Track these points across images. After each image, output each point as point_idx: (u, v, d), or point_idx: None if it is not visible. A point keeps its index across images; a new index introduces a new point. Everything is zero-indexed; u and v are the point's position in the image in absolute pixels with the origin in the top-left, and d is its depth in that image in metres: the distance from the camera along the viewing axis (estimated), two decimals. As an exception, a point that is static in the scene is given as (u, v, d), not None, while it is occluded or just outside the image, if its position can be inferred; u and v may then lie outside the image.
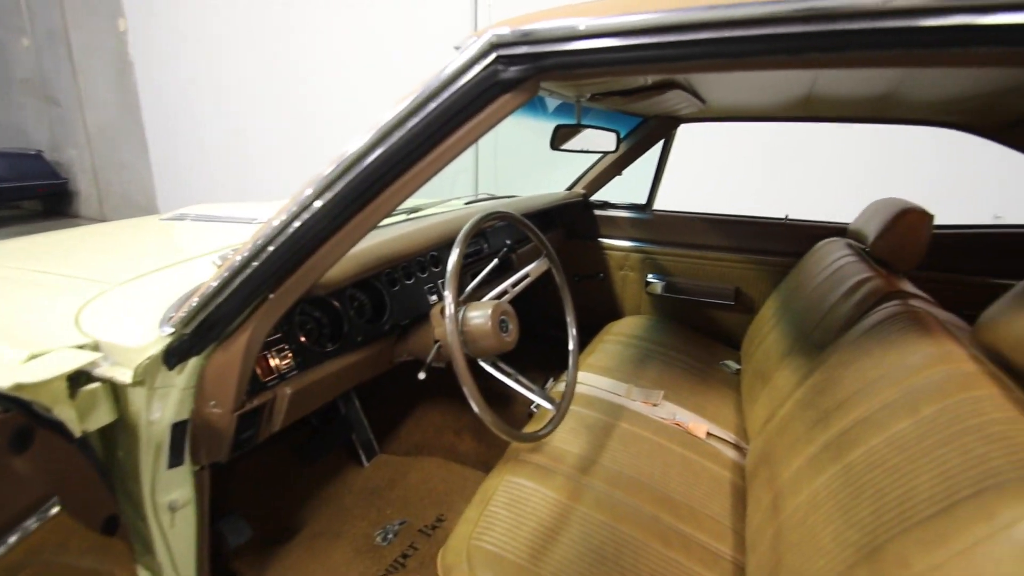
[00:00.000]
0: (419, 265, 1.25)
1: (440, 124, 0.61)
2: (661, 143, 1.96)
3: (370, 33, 3.91)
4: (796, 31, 0.44)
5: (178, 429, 0.79)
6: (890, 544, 0.57)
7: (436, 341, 0.99)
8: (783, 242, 1.81)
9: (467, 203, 1.83)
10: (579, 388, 1.38)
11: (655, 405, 1.33)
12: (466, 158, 3.96)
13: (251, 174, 4.82)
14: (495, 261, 1.15)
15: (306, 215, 0.68)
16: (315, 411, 1.45)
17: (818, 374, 0.99)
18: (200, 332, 0.75)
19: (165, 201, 5.42)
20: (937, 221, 1.25)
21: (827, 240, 1.55)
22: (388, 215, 0.71)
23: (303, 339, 0.93)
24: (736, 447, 1.23)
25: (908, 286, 1.10)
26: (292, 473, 1.49)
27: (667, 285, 2.01)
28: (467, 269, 1.38)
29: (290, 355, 0.89)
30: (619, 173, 2.05)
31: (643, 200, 2.08)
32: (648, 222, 2.04)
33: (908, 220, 1.20)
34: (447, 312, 0.85)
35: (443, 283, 0.93)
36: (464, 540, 0.87)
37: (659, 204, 2.07)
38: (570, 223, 2.15)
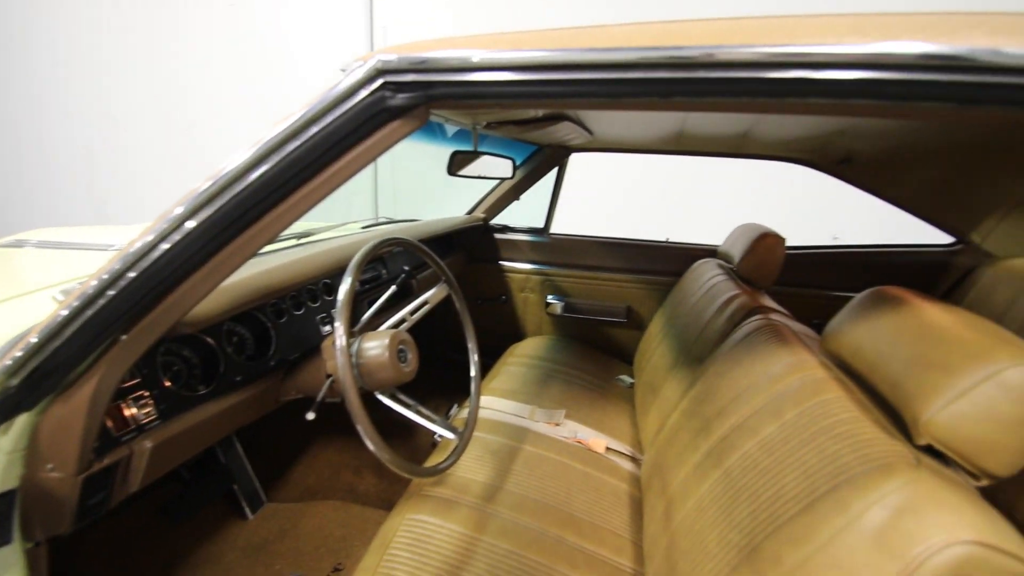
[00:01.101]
0: (310, 294, 1.17)
1: (326, 147, 0.58)
2: (556, 170, 2.05)
3: (255, 49, 3.69)
4: (662, 76, 0.48)
5: (3, 501, 0.65)
6: (766, 543, 0.62)
7: (328, 375, 0.93)
8: (665, 262, 1.96)
9: (365, 227, 1.76)
10: (483, 413, 1.37)
11: (557, 425, 1.36)
12: (364, 181, 3.84)
13: (109, 195, 4.27)
14: (393, 288, 1.12)
15: (176, 236, 0.60)
16: (186, 462, 1.29)
17: (699, 385, 1.08)
18: (31, 383, 0.63)
19: (3, 224, 4.61)
20: (789, 243, 1.43)
21: (702, 261, 1.71)
22: (271, 241, 0.65)
23: (168, 383, 0.82)
24: (632, 459, 1.29)
25: (768, 301, 1.24)
26: (159, 536, 1.30)
27: (566, 305, 2.08)
28: (363, 297, 1.32)
29: (151, 403, 0.78)
30: (517, 198, 2.11)
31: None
32: (546, 245, 2.11)
33: (766, 243, 1.36)
34: (338, 344, 0.80)
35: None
36: None
37: (557, 228, 2.15)
38: (471, 247, 2.16)
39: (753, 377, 0.90)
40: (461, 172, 1.41)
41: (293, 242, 1.36)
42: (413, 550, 0.88)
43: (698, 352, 1.24)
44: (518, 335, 2.19)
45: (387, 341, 0.89)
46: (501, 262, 2.16)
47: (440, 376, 2.17)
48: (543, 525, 0.99)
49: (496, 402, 1.43)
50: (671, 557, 0.80)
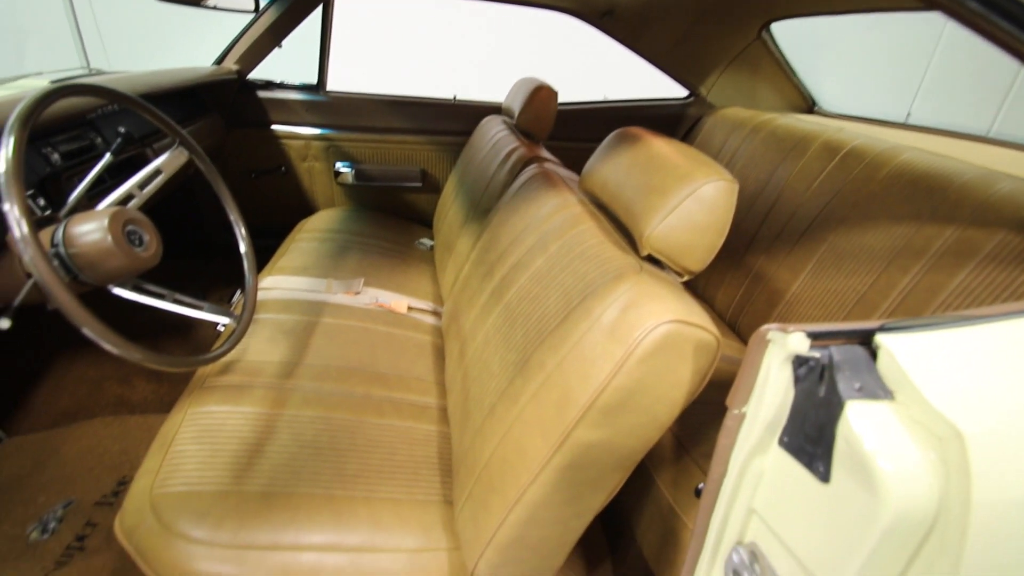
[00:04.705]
0: None
1: None
2: (321, 10, 1.74)
3: None
4: None
5: None
6: (534, 355, 0.73)
7: (29, 275, 0.72)
8: (455, 121, 1.92)
9: (56, 81, 1.31)
10: (273, 293, 1.26)
11: (357, 294, 1.33)
12: (53, 20, 2.79)
13: None
14: (107, 158, 0.87)
15: None
16: None
17: (486, 235, 1.14)
18: None
19: None
20: (562, 99, 1.50)
21: (488, 117, 1.71)
22: None
23: None
24: (434, 313, 1.36)
25: (544, 152, 1.33)
26: None
27: (357, 173, 1.94)
28: (72, 173, 1.02)
29: None
30: (278, 44, 1.77)
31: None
32: (324, 105, 1.87)
33: (541, 95, 1.41)
34: (16, 233, 0.60)
35: None
36: (144, 495, 0.74)
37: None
38: (230, 108, 1.80)
39: (527, 220, 0.98)
40: (183, 2, 1.09)
41: None
42: (202, 442, 0.82)
43: (485, 205, 1.29)
44: (307, 209, 2.01)
45: (106, 221, 0.71)
46: (273, 126, 1.87)
47: (220, 266, 1.91)
48: (348, 387, 1.01)
49: (286, 280, 1.33)
50: (466, 385, 0.90)
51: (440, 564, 0.76)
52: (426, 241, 1.80)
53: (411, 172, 1.97)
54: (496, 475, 0.70)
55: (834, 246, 1.20)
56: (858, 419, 0.48)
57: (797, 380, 0.53)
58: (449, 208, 1.59)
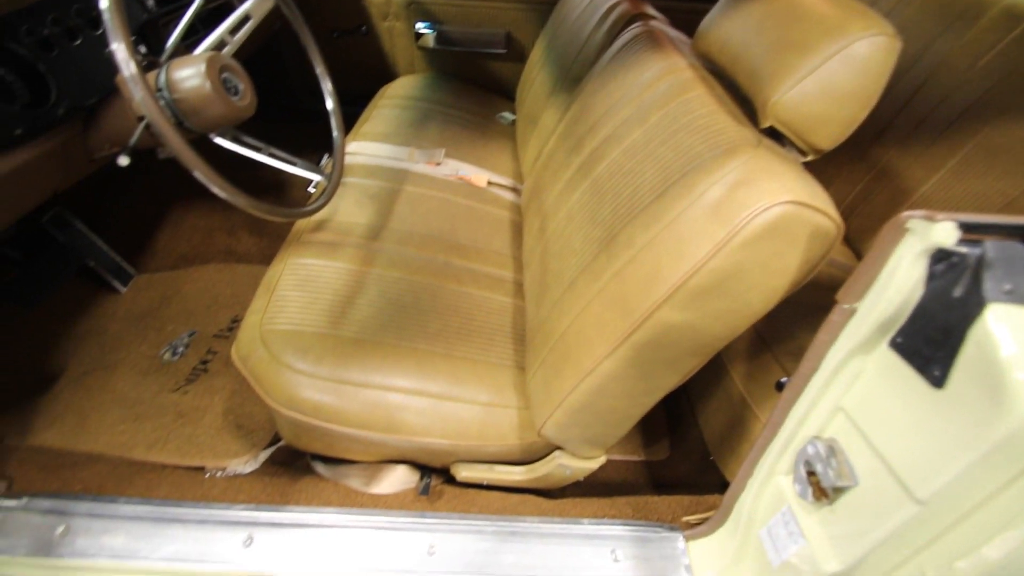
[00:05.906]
0: (84, 16, 0.87)
1: None
2: None
3: None
4: None
5: None
6: (622, 232, 0.70)
7: (140, 118, 0.75)
8: None
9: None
10: (359, 158, 1.28)
11: (438, 164, 1.32)
12: None
13: None
14: (197, 2, 0.85)
15: None
16: (11, 242, 1.12)
17: (575, 106, 1.05)
18: None
19: None
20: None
21: None
22: None
23: None
24: (513, 190, 1.33)
25: (649, 9, 1.16)
26: (19, 324, 1.19)
27: (439, 35, 1.82)
28: (166, 20, 1.02)
29: None
30: None
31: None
32: None
33: (652, -64, 1.20)
34: (126, 72, 0.62)
35: None
36: (255, 329, 0.83)
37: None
38: None
39: (626, 88, 0.88)
40: None
41: None
42: (302, 289, 0.89)
43: (577, 72, 1.18)
44: (388, 75, 1.95)
45: (203, 67, 0.71)
46: None
47: (306, 130, 1.94)
48: (430, 254, 1.04)
49: (370, 147, 1.33)
50: (544, 261, 0.89)
51: (511, 419, 0.81)
52: (507, 115, 1.72)
53: (495, 36, 1.82)
54: (572, 345, 0.71)
55: (988, 140, 1.01)
56: (999, 323, 0.42)
57: (931, 277, 0.47)
58: (535, 77, 1.48)
